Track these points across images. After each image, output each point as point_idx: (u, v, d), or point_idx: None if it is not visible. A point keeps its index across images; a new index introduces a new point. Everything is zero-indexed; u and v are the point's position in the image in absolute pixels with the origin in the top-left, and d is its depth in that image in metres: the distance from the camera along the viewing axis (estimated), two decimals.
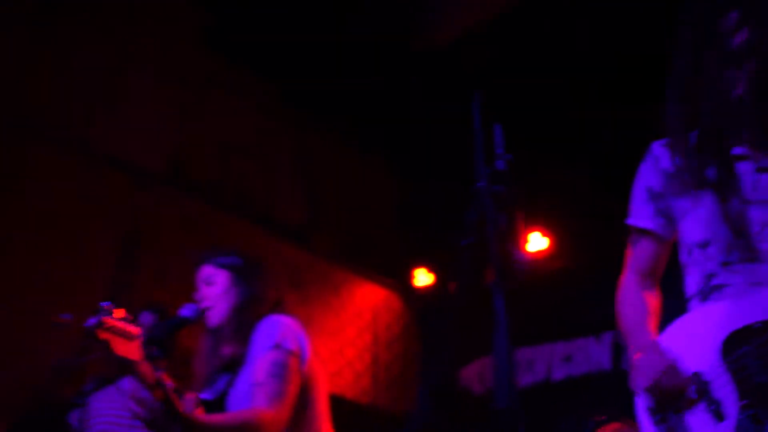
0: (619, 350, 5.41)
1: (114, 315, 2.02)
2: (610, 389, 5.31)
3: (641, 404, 1.59)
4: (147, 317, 3.59)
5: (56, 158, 4.66)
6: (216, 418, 2.14)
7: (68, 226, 4.60)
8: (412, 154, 6.72)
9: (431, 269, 6.61)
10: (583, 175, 5.77)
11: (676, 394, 1.52)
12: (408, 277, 6.60)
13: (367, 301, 6.39)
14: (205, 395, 2.33)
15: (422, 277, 6.57)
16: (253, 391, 2.16)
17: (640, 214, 1.74)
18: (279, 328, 2.29)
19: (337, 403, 2.60)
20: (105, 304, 2.06)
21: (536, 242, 5.85)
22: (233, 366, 2.31)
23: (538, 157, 5.83)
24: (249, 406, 2.15)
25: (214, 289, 2.40)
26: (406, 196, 7.09)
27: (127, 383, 3.32)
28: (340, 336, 6.06)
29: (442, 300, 6.46)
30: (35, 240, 4.40)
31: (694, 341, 1.50)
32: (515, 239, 1.30)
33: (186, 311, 2.57)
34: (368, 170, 7.08)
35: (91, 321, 1.99)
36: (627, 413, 4.09)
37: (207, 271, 2.46)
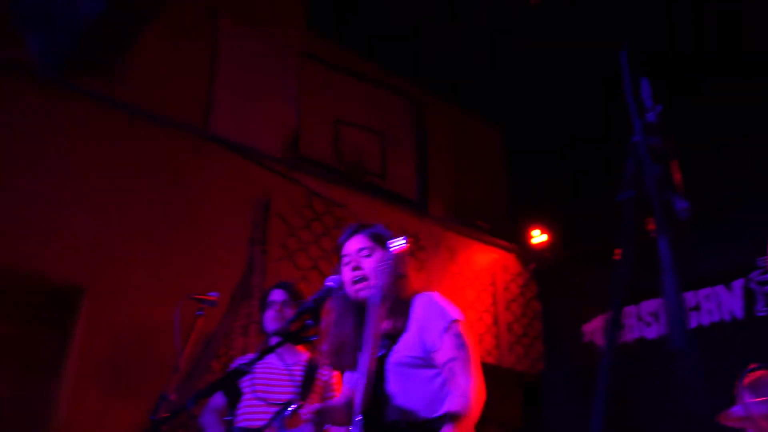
0: (752, 297, 5.26)
1: None
2: (743, 337, 5.18)
3: None
4: (278, 294, 3.80)
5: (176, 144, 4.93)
6: (457, 405, 2.19)
7: (202, 213, 4.87)
8: (525, 117, 6.71)
9: (546, 228, 6.60)
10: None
11: None
12: (524, 237, 6.61)
13: (484, 264, 6.45)
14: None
15: (538, 237, 6.56)
16: (451, 367, 2.25)
17: None
18: (443, 303, 2.38)
19: None
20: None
21: None
22: (386, 339, 2.37)
23: None
24: (441, 382, 2.27)
25: (370, 262, 2.45)
26: (518, 157, 7.07)
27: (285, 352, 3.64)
28: (459, 299, 6.16)
29: (557, 258, 6.44)
30: (176, 226, 4.70)
31: None
32: (674, 189, 1.33)
33: (331, 282, 2.68)
34: (481, 136, 7.10)
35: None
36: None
37: (362, 243, 2.50)
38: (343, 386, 2.70)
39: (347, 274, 2.48)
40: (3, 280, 4.15)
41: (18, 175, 4.21)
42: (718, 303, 5.46)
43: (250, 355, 3.83)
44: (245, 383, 3.55)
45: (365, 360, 2.22)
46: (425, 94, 6.76)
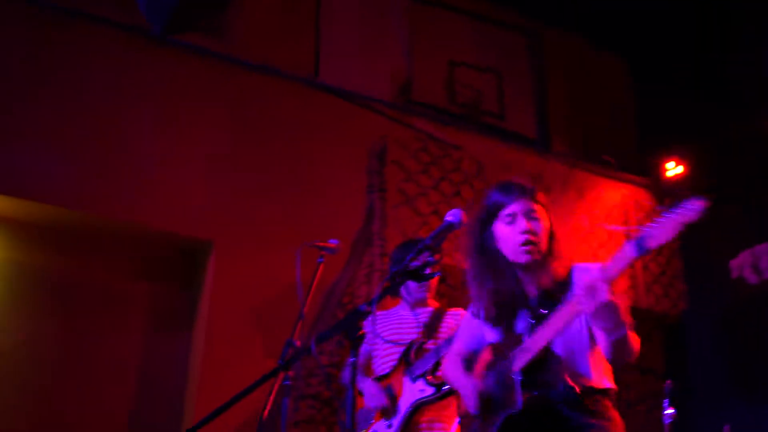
0: None
1: None
2: None
3: None
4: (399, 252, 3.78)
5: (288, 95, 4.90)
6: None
7: (317, 163, 4.84)
8: (649, 48, 6.28)
9: (681, 160, 6.13)
10: None
11: None
12: (656, 170, 6.18)
13: (615, 201, 6.09)
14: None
15: (673, 169, 6.11)
16: None
17: None
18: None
19: None
20: None
21: None
22: (544, 303, 2.33)
23: None
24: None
25: (539, 225, 2.39)
26: (645, 88, 6.62)
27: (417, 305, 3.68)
28: (590, 239, 5.86)
29: (695, 190, 5.97)
30: (292, 177, 4.70)
31: None
32: None
33: (452, 217, 2.55)
34: (603, 68, 6.70)
35: None
36: None
37: (531, 204, 2.42)
38: (459, 340, 2.67)
39: (511, 233, 2.39)
40: (134, 237, 4.30)
41: (143, 137, 4.32)
42: None
43: (379, 313, 3.85)
44: (382, 332, 3.66)
45: (546, 328, 2.22)
46: (542, 29, 6.41)
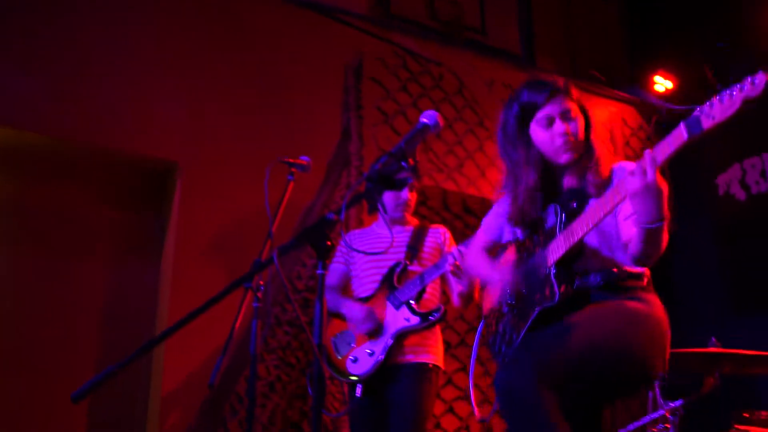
0: None
1: None
2: None
3: None
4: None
5: (263, 10, 4.61)
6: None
7: (291, 80, 4.58)
8: None
9: (669, 75, 5.90)
10: None
11: None
12: (644, 86, 5.95)
13: (601, 118, 5.88)
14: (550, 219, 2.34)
15: (661, 83, 5.89)
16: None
17: None
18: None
19: None
20: None
21: None
22: (575, 198, 2.32)
23: None
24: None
25: (576, 125, 2.32)
26: (634, 2, 6.34)
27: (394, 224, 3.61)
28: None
29: (682, 107, 5.78)
30: (267, 93, 4.45)
31: None
32: None
33: (427, 119, 2.35)
34: None
35: None
36: None
37: (567, 104, 2.33)
38: (482, 232, 2.67)
39: (549, 137, 2.34)
40: (98, 161, 4.09)
41: (105, 58, 4.04)
42: None
43: (356, 231, 3.68)
44: (355, 256, 3.55)
45: (582, 220, 2.17)
46: None
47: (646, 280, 2.28)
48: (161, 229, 4.12)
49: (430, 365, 3.29)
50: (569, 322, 2.16)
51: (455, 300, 3.33)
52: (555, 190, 2.40)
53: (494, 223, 2.62)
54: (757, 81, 1.76)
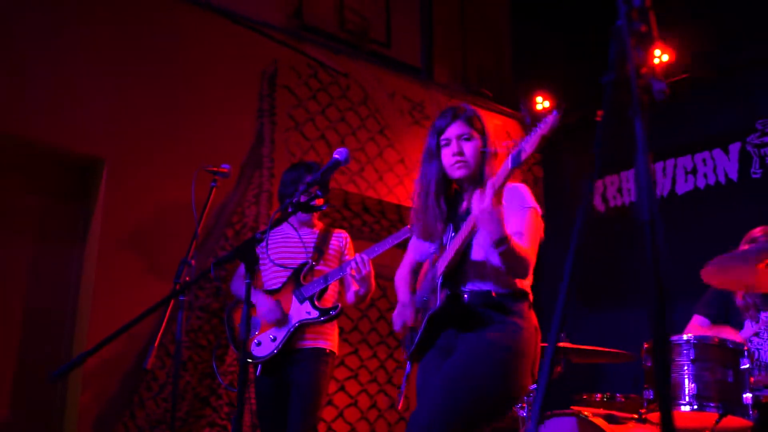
0: (747, 160, 5.40)
1: None
2: (739, 199, 5.37)
3: None
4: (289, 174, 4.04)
5: (181, 15, 4.94)
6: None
7: (209, 84, 4.95)
8: None
9: (550, 95, 6.65)
10: None
11: None
12: (527, 103, 6.67)
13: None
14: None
15: (541, 103, 6.62)
16: (518, 237, 2.52)
17: None
18: (525, 193, 2.66)
19: None
20: None
21: (658, 56, 5.77)
22: (465, 216, 2.61)
23: None
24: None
25: (469, 146, 2.66)
26: (524, 25, 7.01)
27: (301, 226, 3.98)
28: None
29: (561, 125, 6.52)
30: (181, 100, 4.80)
31: None
32: (653, 71, 1.44)
33: (338, 155, 2.86)
34: (487, 2, 7.00)
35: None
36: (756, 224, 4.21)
37: (463, 128, 2.69)
38: (409, 252, 3.02)
39: (446, 156, 2.70)
40: (24, 152, 4.31)
41: (35, 50, 4.26)
42: (714, 166, 5.61)
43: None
44: (264, 252, 3.91)
45: (459, 235, 2.56)
46: None
47: (519, 296, 2.61)
48: (86, 222, 4.43)
49: (327, 350, 3.84)
50: (451, 366, 2.51)
51: (350, 297, 3.92)
52: (456, 209, 2.74)
53: (419, 244, 2.90)
54: (549, 120, 2.25)
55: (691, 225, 5.57)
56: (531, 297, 2.66)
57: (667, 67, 5.77)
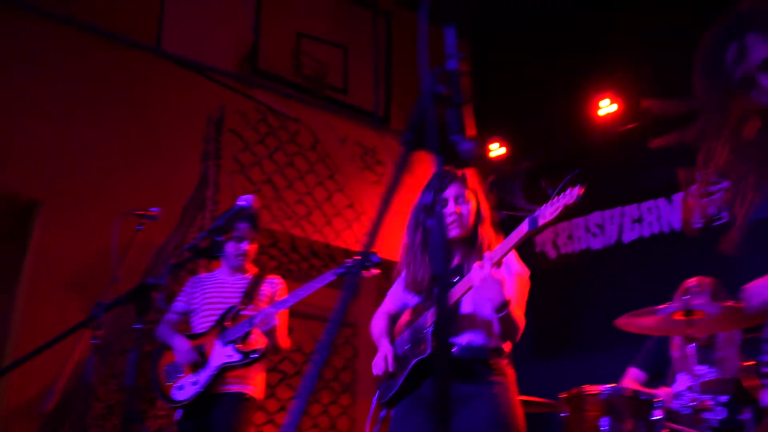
0: (688, 211, 5.45)
1: None
2: (682, 248, 5.41)
3: None
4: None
5: (129, 59, 5.03)
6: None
7: (155, 126, 5.03)
8: (489, 32, 6.75)
9: (504, 142, 6.73)
10: (650, 39, 5.64)
11: None
12: (482, 150, 6.75)
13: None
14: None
15: (496, 150, 6.70)
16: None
17: None
18: (516, 259, 2.80)
19: None
20: None
21: (606, 106, 5.87)
22: (457, 274, 2.73)
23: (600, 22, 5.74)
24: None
25: (465, 208, 2.79)
26: (479, 72, 7.13)
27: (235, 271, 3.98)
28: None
29: (514, 169, 6.59)
30: (128, 142, 4.87)
31: None
32: (462, 132, 1.49)
33: (244, 202, 2.92)
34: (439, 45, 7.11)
35: None
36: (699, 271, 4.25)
37: (459, 190, 2.82)
38: (387, 302, 3.06)
39: (445, 214, 2.79)
40: None
41: None
42: (658, 216, 5.67)
43: (202, 275, 4.18)
44: (198, 295, 3.94)
45: (454, 292, 2.65)
46: (392, 7, 6.73)
47: (504, 353, 2.75)
48: (19, 262, 4.46)
49: (247, 395, 3.84)
50: None
51: (281, 341, 3.94)
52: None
53: (398, 293, 2.97)
54: (574, 192, 2.38)
55: (636, 273, 5.60)
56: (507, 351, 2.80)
57: (617, 117, 5.87)
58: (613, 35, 5.77)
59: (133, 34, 5.07)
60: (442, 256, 1.34)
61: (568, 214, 2.43)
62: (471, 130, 1.51)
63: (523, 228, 2.47)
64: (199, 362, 3.80)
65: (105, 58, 4.91)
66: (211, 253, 2.90)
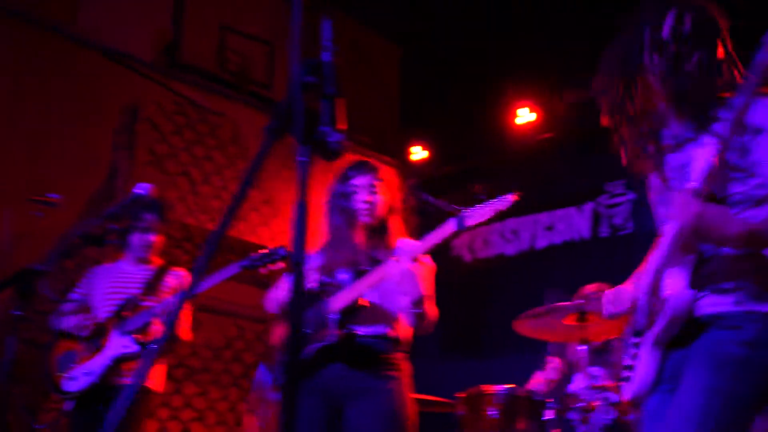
0: (598, 219, 5.63)
1: None
2: (590, 256, 5.59)
3: None
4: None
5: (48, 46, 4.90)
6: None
7: (67, 114, 4.89)
8: (417, 33, 6.82)
9: (427, 146, 6.80)
10: (572, 48, 5.79)
11: None
12: (404, 152, 6.82)
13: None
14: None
15: (419, 153, 6.78)
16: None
17: None
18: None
19: None
20: None
21: (524, 116, 6.00)
22: (367, 262, 2.87)
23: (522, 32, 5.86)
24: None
25: (376, 198, 2.96)
26: (405, 75, 7.20)
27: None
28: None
29: (435, 173, 6.69)
30: (38, 129, 4.73)
31: None
32: (332, 123, 1.51)
33: (141, 190, 2.87)
34: (375, 51, 7.16)
35: None
36: (604, 279, 4.38)
37: (372, 180, 2.99)
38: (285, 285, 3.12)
39: (357, 201, 2.97)
40: None
41: None
42: (569, 223, 5.83)
43: (105, 265, 4.09)
44: (98, 285, 3.84)
45: (363, 281, 2.77)
46: (320, 4, 6.72)
47: (405, 345, 2.90)
48: None
49: (145, 387, 3.77)
50: None
51: (182, 332, 3.90)
52: (356, 253, 2.94)
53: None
54: (508, 199, 2.50)
55: (547, 279, 5.74)
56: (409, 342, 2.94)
57: (535, 126, 6.01)
58: (533, 44, 5.91)
59: (48, 17, 4.92)
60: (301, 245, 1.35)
61: (493, 219, 2.54)
62: (342, 123, 1.53)
63: (450, 226, 2.58)
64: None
65: (18, 40, 4.75)
66: (102, 241, 2.83)
